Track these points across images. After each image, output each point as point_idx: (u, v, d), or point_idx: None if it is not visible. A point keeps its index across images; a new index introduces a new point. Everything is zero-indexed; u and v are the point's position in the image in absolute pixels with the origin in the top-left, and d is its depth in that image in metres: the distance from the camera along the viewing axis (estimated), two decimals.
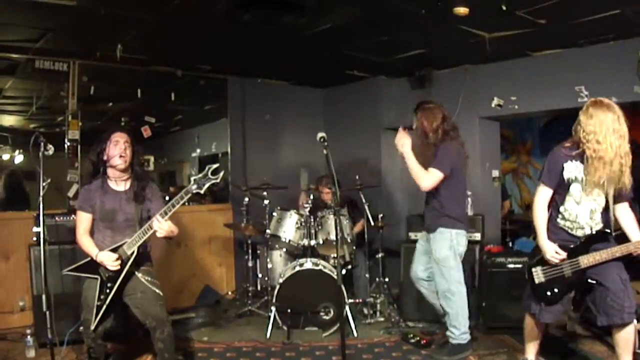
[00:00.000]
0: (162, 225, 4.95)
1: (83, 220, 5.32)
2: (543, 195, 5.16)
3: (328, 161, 4.88)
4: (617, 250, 4.80)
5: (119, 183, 5.33)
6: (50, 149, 5.44)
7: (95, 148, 5.29)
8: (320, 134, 5.16)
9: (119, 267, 5.09)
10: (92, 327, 5.13)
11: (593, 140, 4.81)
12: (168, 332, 5.21)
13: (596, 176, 4.84)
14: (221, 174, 4.96)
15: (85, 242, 5.27)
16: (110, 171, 5.29)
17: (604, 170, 4.81)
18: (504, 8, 6.32)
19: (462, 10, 6.43)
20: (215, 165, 4.95)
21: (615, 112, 4.83)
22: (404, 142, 6.15)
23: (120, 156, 5.20)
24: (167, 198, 5.76)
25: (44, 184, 5.43)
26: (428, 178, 6.03)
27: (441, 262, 6.16)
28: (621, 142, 4.80)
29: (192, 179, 4.93)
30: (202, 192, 4.94)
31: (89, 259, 5.24)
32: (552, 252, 5.03)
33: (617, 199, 4.99)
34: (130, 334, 6.35)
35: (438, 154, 6.09)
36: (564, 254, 5.01)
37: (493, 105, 8.94)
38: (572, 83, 7.96)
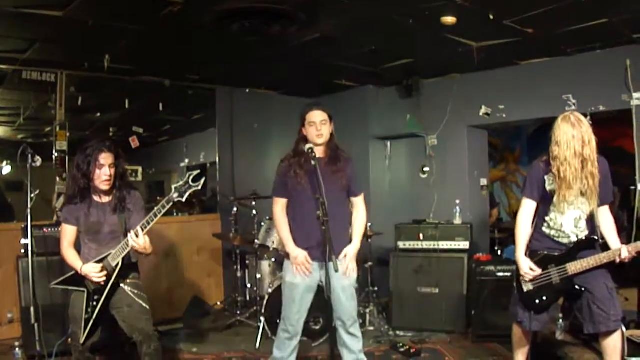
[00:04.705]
0: (138, 240, 4.89)
1: (68, 233, 5.24)
2: (527, 208, 5.19)
3: (316, 172, 4.84)
4: (604, 257, 4.81)
5: (103, 196, 5.27)
6: (38, 161, 5.42)
7: (79, 166, 5.10)
8: (309, 145, 5.09)
9: (104, 279, 5.04)
10: (82, 341, 5.09)
11: (557, 159, 4.86)
12: (155, 347, 5.16)
13: (561, 195, 4.90)
14: (202, 180, 4.88)
15: (70, 255, 5.20)
16: (94, 187, 5.22)
17: (568, 191, 4.86)
18: (491, 17, 6.35)
19: (449, 19, 6.46)
20: (196, 172, 4.88)
21: (581, 131, 4.80)
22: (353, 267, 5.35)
23: (105, 181, 5.14)
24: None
25: (32, 195, 5.40)
26: (365, 210, 5.57)
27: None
28: (585, 165, 4.81)
29: (173, 187, 4.86)
30: (183, 200, 4.86)
31: (74, 271, 5.19)
32: (527, 268, 5.05)
33: (599, 202, 4.99)
34: (118, 347, 6.32)
35: (357, 174, 5.57)
36: (538, 271, 5.02)
37: (481, 114, 8.98)
38: (560, 92, 8.02)
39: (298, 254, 5.20)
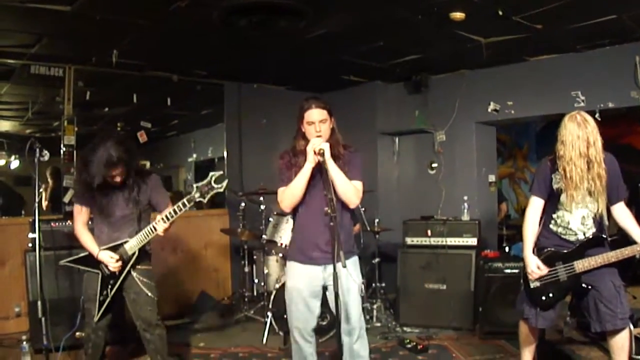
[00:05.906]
0: (166, 227, 4.97)
1: (81, 213, 5.27)
2: (535, 206, 5.17)
3: (324, 168, 4.74)
4: (613, 256, 4.78)
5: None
6: (46, 155, 5.41)
7: (88, 166, 4.99)
8: (321, 146, 4.85)
9: (120, 268, 5.10)
10: (96, 319, 5.17)
11: (562, 159, 4.85)
12: (158, 333, 5.22)
13: (568, 195, 4.89)
14: (225, 182, 4.88)
15: (85, 237, 5.23)
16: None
17: (575, 191, 4.85)
18: (500, 13, 6.33)
19: (458, 15, 6.43)
20: (218, 173, 4.86)
21: (586, 132, 4.78)
22: (325, 147, 4.72)
23: (116, 179, 5.11)
24: None
25: (40, 189, 5.40)
26: (359, 194, 5.06)
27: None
28: (591, 166, 4.80)
29: (194, 186, 4.85)
30: (205, 200, 4.86)
31: (88, 252, 5.21)
32: (534, 266, 5.02)
33: (612, 200, 4.99)
34: (127, 336, 6.34)
35: (357, 163, 5.18)
36: (545, 270, 5.00)
37: (489, 110, 8.96)
38: (569, 88, 7.99)
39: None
